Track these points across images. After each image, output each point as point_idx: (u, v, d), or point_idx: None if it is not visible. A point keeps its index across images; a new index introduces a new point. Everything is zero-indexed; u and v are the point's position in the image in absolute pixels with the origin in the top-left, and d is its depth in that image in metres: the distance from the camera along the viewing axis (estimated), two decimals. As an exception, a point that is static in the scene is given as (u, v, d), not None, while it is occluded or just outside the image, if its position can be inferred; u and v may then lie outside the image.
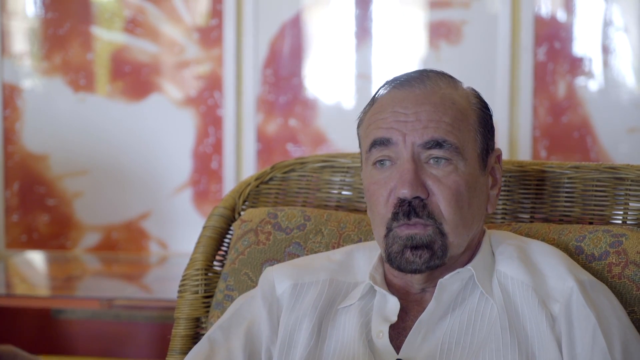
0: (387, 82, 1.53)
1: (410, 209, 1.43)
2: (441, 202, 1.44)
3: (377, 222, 1.48)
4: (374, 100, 1.53)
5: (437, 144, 1.44)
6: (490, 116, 1.52)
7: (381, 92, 1.52)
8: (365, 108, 1.54)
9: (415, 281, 1.49)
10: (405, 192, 1.43)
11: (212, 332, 1.57)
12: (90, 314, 3.24)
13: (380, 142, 1.46)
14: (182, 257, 3.35)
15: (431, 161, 1.45)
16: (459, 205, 1.44)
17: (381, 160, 1.47)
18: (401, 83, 1.50)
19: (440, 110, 1.45)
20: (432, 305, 1.46)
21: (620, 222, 1.64)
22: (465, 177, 1.45)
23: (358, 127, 1.54)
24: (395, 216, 1.44)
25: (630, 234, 1.56)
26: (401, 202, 1.43)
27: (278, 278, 1.57)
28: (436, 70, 1.52)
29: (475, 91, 1.52)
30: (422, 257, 1.44)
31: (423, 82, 1.48)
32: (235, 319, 1.57)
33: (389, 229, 1.45)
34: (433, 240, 1.44)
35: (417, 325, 1.45)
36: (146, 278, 3.62)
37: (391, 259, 1.46)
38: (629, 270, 1.53)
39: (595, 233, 1.57)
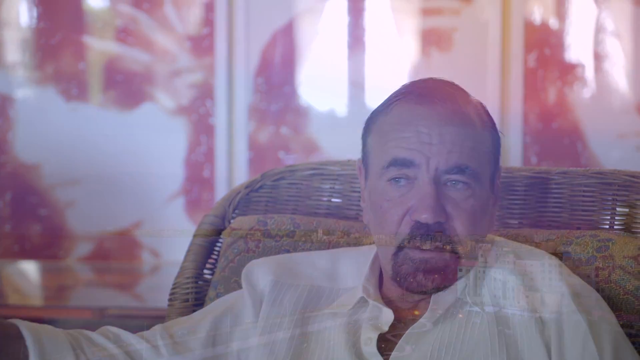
0: (404, 90, 1.49)
1: (428, 233, 1.42)
2: (459, 226, 1.43)
3: (385, 239, 1.46)
4: (388, 107, 1.49)
5: (460, 170, 1.43)
6: (500, 138, 1.50)
7: (399, 102, 1.48)
8: (376, 110, 1.50)
9: (415, 296, 1.48)
10: (427, 217, 1.41)
11: (194, 314, 1.60)
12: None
13: (402, 163, 1.44)
14: (174, 266, 3.33)
15: (449, 183, 1.43)
16: (474, 229, 1.44)
17: (397, 178, 1.45)
18: (421, 96, 1.46)
19: (462, 133, 1.43)
20: (426, 316, 1.45)
21: (607, 227, 1.64)
22: (480, 200, 1.45)
23: (367, 132, 1.51)
24: (411, 239, 1.43)
25: (617, 239, 1.56)
26: (419, 225, 1.42)
27: (261, 271, 1.57)
28: (450, 82, 1.49)
29: (483, 106, 1.50)
30: (434, 281, 1.43)
31: (443, 97, 1.45)
32: (216, 302, 1.60)
33: (399, 248, 1.44)
34: (447, 264, 1.43)
35: (408, 335, 1.44)
36: (138, 287, 3.61)
37: (399, 279, 1.45)
38: (616, 274, 1.53)
39: (582, 238, 1.58)
